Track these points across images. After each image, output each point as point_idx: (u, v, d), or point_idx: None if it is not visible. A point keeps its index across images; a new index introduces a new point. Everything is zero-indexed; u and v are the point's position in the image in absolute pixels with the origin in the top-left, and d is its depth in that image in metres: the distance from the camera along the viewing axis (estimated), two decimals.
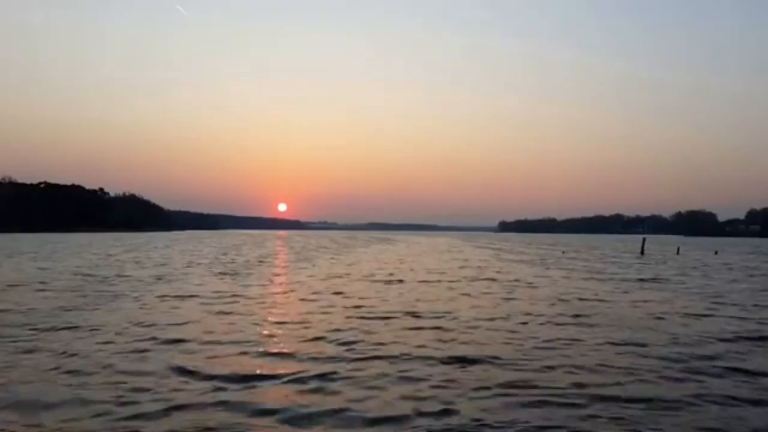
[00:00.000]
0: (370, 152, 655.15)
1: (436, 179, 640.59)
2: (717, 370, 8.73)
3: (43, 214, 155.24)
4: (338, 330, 11.56)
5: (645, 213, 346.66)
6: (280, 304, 15.94)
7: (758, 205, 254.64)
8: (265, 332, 11.34)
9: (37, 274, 24.35)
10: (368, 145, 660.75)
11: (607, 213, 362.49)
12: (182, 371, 8.18)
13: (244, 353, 9.43)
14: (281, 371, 8.27)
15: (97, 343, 10.06)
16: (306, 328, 11.85)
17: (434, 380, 7.90)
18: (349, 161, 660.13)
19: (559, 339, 10.87)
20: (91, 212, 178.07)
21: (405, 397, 7.14)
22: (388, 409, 6.72)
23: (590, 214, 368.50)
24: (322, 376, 8.00)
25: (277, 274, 26.12)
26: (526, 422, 6.34)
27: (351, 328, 11.76)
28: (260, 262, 35.68)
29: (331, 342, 10.39)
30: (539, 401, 7.03)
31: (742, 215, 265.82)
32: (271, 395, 7.22)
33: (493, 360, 9.10)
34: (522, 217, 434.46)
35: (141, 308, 14.47)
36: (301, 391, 7.37)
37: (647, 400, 7.10)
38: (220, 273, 26.01)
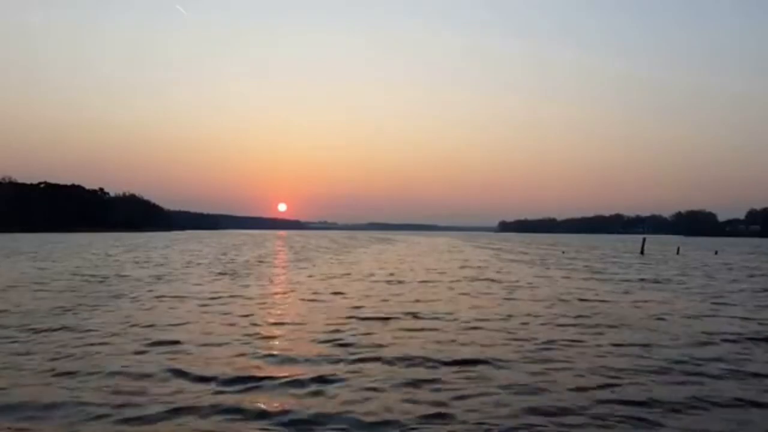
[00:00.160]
0: (370, 152, 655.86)
1: (436, 179, 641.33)
2: (721, 371, 8.65)
3: (43, 214, 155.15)
4: (337, 331, 11.49)
5: (645, 213, 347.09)
6: (280, 304, 15.87)
7: (758, 205, 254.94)
8: (264, 333, 11.27)
9: (36, 275, 24.28)
10: (368, 145, 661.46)
11: (607, 213, 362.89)
12: (180, 373, 8.11)
13: (243, 355, 9.36)
14: (279, 373, 8.21)
15: (95, 345, 9.98)
16: (305, 329, 11.78)
17: (434, 383, 7.83)
18: (349, 161, 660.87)
19: (559, 340, 10.80)
20: (91, 212, 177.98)
21: (404, 400, 7.07)
22: (387, 412, 6.65)
23: (590, 214, 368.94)
24: (320, 379, 7.93)
25: (277, 275, 26.06)
26: (528, 425, 6.27)
27: (350, 329, 11.69)
28: (260, 262, 35.61)
29: (330, 343, 10.32)
30: (540, 403, 6.96)
31: (742, 215, 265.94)
32: (269, 398, 7.15)
33: (493, 362, 9.03)
34: (522, 217, 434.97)
35: (140, 309, 14.40)
36: (300, 394, 7.30)
37: (650, 402, 7.03)
38: (219, 273, 25.94)
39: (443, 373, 8.37)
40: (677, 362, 9.16)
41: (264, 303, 15.81)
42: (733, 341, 11.05)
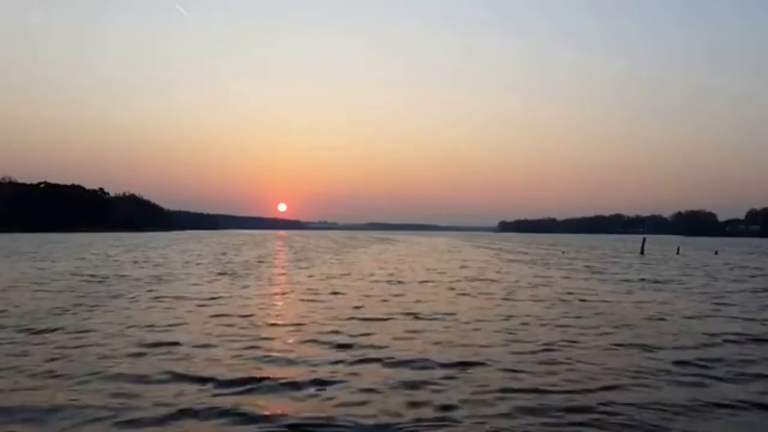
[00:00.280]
0: (370, 152, 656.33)
1: (436, 179, 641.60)
2: (723, 373, 8.58)
3: (43, 214, 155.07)
4: (337, 332, 11.43)
5: (645, 213, 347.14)
6: (279, 305, 15.81)
7: (758, 205, 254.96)
8: (263, 334, 11.20)
9: (35, 275, 24.22)
10: (368, 145, 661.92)
11: (607, 213, 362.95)
12: (179, 375, 8.05)
13: (242, 356, 9.30)
14: (279, 375, 8.14)
15: (94, 346, 9.92)
16: (304, 329, 11.73)
17: (434, 384, 7.77)
18: (349, 161, 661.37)
19: (560, 341, 10.74)
20: (91, 212, 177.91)
21: (404, 402, 7.01)
22: (387, 415, 6.59)
23: (590, 214, 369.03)
24: (320, 381, 7.86)
25: (277, 275, 25.99)
26: (528, 428, 6.21)
27: (350, 330, 11.63)
28: (259, 262, 35.56)
29: (329, 344, 10.26)
30: (541, 406, 6.89)
31: (742, 215, 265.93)
32: (268, 400, 7.09)
33: (493, 363, 8.97)
34: (522, 217, 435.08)
35: (139, 309, 14.34)
36: (299, 396, 7.24)
37: (652, 405, 6.96)
38: (218, 273, 25.88)
39: (443, 374, 8.31)
40: (679, 363, 9.10)
41: (264, 303, 15.75)
42: (736, 342, 10.99)
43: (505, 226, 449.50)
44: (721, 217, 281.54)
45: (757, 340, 11.27)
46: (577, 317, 13.76)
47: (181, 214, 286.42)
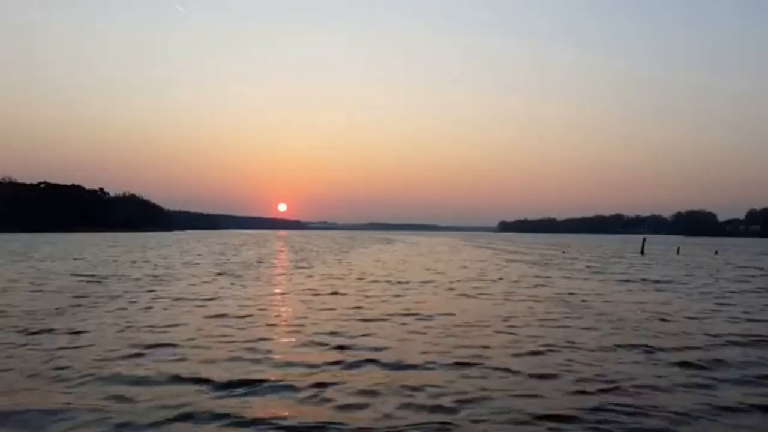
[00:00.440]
0: (370, 152, 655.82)
1: (436, 179, 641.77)
2: (728, 375, 8.50)
3: (43, 214, 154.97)
4: (336, 333, 11.35)
5: (645, 213, 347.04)
6: (278, 305, 15.74)
7: (758, 205, 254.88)
8: (261, 335, 11.12)
9: (33, 275, 24.14)
10: (368, 145, 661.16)
11: (607, 213, 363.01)
12: (176, 377, 7.97)
13: (241, 357, 9.22)
14: (277, 376, 8.07)
15: (91, 347, 9.85)
16: (304, 330, 11.65)
17: (433, 386, 7.69)
18: (349, 161, 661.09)
19: (560, 341, 10.66)
20: (91, 212, 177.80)
21: (403, 404, 6.94)
22: (386, 417, 6.52)
23: (590, 214, 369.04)
24: (318, 382, 7.79)
25: (276, 275, 25.92)
26: (529, 430, 6.14)
27: (350, 331, 11.56)
28: (259, 262, 35.49)
29: (329, 345, 10.18)
30: (541, 408, 6.82)
31: (742, 215, 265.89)
32: (266, 402, 7.02)
33: (493, 364, 8.89)
34: (522, 217, 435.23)
35: (137, 310, 14.26)
36: (298, 398, 7.17)
37: (654, 408, 6.88)
38: (218, 274, 25.81)
39: (443, 375, 8.25)
40: (681, 365, 9.02)
41: (262, 304, 15.68)
42: (739, 343, 10.91)
43: (505, 226, 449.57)
44: (721, 217, 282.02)
45: (761, 341, 11.18)
46: (577, 318, 13.69)
47: (181, 214, 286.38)
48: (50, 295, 17.07)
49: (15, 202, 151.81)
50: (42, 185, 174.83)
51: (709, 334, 11.73)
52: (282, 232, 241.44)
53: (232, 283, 21.41)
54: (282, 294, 18.42)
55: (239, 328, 11.80)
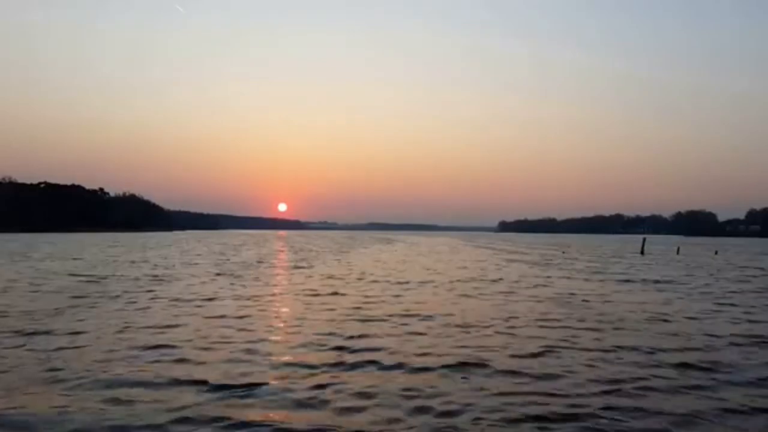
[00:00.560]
0: (370, 152, 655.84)
1: (436, 179, 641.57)
2: (729, 376, 8.45)
3: (43, 214, 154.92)
4: (336, 333, 11.30)
5: (645, 213, 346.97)
6: (278, 305, 15.69)
7: (758, 205, 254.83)
8: (261, 336, 11.08)
9: (33, 275, 24.10)
10: (368, 145, 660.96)
11: (607, 213, 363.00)
12: (175, 379, 7.92)
13: (239, 359, 9.18)
14: (275, 378, 8.03)
15: (89, 348, 9.80)
16: (303, 331, 11.61)
17: (433, 387, 7.65)
18: (349, 161, 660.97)
19: (560, 342, 10.62)
20: (91, 212, 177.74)
21: (402, 406, 6.89)
22: (385, 420, 6.47)
23: (590, 214, 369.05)
24: (317, 384, 7.74)
25: (275, 275, 25.89)
26: None
27: (349, 331, 11.50)
28: (259, 262, 35.45)
29: (328, 346, 10.14)
30: (542, 410, 6.78)
31: (742, 215, 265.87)
32: (263, 404, 6.97)
33: (493, 365, 8.85)
34: (522, 217, 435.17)
35: (136, 311, 14.22)
36: (296, 400, 7.11)
37: (655, 409, 6.84)
38: (217, 274, 25.77)
39: (443, 376, 8.20)
40: (682, 366, 8.98)
41: (261, 304, 15.63)
42: (740, 344, 10.86)
43: (505, 226, 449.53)
44: (721, 217, 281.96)
45: (762, 342, 11.13)
46: (577, 318, 13.64)
47: (181, 214, 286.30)
48: (49, 296, 17.03)
49: (15, 202, 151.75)
50: (42, 185, 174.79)
51: (710, 335, 11.68)
52: (282, 232, 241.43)
53: (232, 284, 21.37)
54: (281, 294, 18.38)
55: (238, 329, 11.76)
